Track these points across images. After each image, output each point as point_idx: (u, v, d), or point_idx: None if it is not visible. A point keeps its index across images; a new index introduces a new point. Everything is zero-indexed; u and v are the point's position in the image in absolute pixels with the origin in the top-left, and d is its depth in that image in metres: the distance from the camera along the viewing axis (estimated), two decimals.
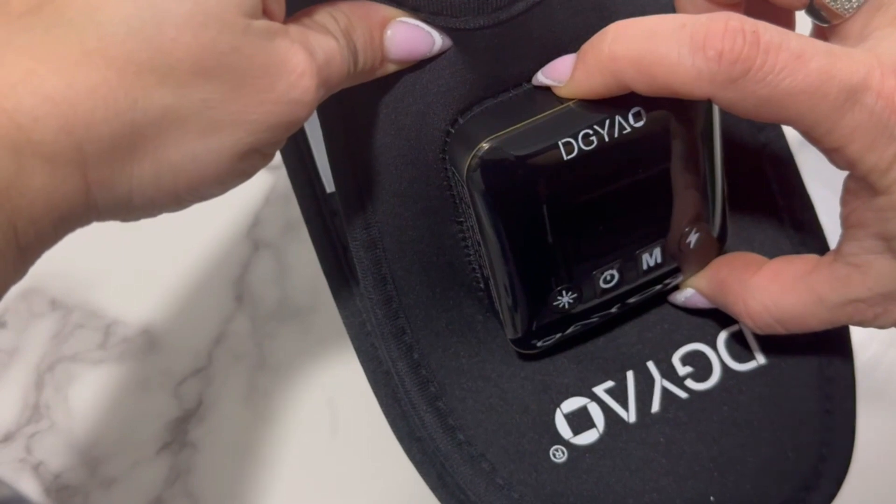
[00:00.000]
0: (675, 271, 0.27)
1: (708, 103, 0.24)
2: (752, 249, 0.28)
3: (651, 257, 0.26)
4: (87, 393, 0.36)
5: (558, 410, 0.27)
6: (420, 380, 0.27)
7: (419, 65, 0.24)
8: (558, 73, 0.24)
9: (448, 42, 0.24)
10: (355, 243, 0.26)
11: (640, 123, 0.23)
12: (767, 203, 0.29)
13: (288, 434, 0.35)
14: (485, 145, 0.23)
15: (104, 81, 0.18)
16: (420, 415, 0.27)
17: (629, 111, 0.23)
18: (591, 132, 0.23)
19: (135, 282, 0.38)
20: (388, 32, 0.23)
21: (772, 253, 0.28)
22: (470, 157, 0.24)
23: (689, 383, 0.28)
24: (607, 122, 0.23)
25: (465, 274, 0.27)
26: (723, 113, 0.25)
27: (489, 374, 0.27)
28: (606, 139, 0.23)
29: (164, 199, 0.20)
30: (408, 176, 0.26)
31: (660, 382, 0.27)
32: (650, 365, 0.28)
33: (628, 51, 0.21)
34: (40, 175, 0.17)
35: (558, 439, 0.27)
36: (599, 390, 0.28)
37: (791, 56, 0.20)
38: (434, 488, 0.28)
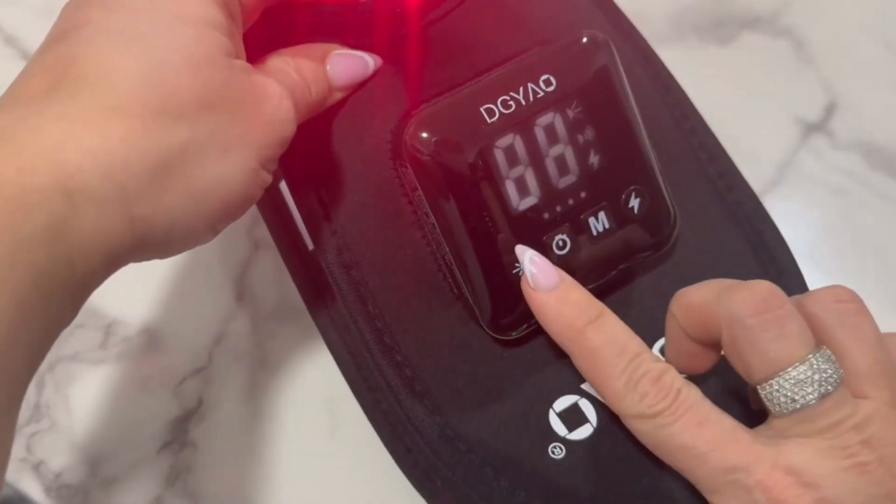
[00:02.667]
0: (630, 252, 0.29)
1: (618, 79, 0.28)
2: (687, 213, 0.30)
3: (598, 222, 0.28)
4: (88, 392, 0.36)
5: (551, 410, 0.28)
6: (416, 396, 0.28)
7: (360, 87, 0.28)
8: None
9: (380, 61, 0.28)
10: (330, 267, 0.28)
11: (552, 88, 0.27)
12: (699, 172, 0.31)
13: (288, 433, 0.35)
14: (413, 122, 0.26)
15: (131, 130, 0.21)
16: (420, 430, 0.28)
17: (539, 77, 0.27)
18: (508, 98, 0.26)
19: (135, 282, 0.38)
20: (328, 66, 0.27)
21: (707, 216, 0.30)
22: (404, 136, 0.26)
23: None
24: (521, 88, 0.26)
25: (437, 282, 0.28)
26: (641, 103, 0.28)
27: (482, 381, 0.28)
28: (523, 102, 0.26)
29: (200, 225, 0.23)
30: (367, 190, 0.28)
31: None
32: None
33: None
34: (91, 215, 0.20)
35: (555, 437, 0.28)
36: (587, 386, 0.28)
37: (692, 421, 0.24)
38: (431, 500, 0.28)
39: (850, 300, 0.24)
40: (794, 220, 0.38)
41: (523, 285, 0.27)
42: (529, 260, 0.27)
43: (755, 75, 0.41)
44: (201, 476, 0.35)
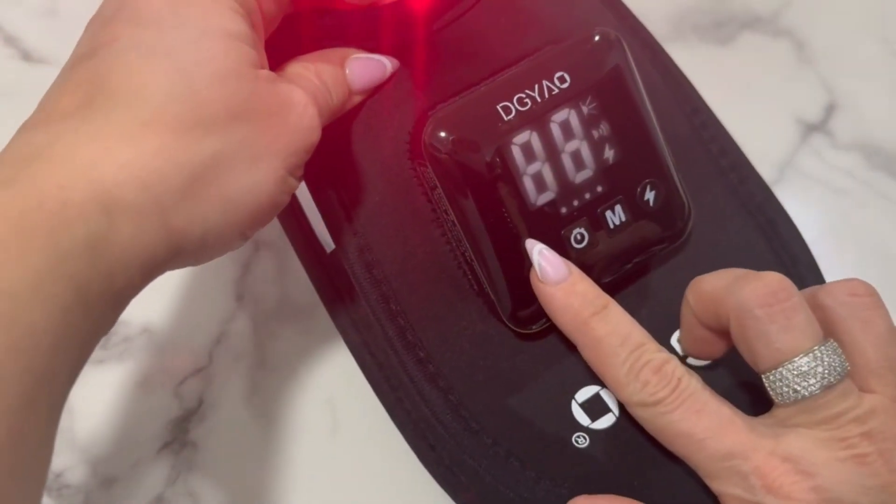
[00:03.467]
0: (647, 244, 0.29)
1: (630, 75, 0.28)
2: (701, 205, 0.31)
3: (615, 215, 0.28)
4: (88, 392, 0.36)
5: (573, 401, 0.29)
6: (440, 391, 0.28)
7: (376, 91, 0.28)
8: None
9: (397, 63, 0.28)
10: (352, 267, 0.29)
11: (566, 85, 0.27)
12: (711, 165, 0.32)
13: (288, 433, 0.35)
14: (431, 121, 0.27)
15: (164, 144, 0.21)
16: (445, 425, 0.28)
17: (554, 75, 0.27)
18: (524, 95, 0.27)
19: None
20: (347, 70, 0.27)
21: (720, 208, 0.31)
22: (423, 136, 0.27)
23: (691, 360, 0.29)
24: (536, 86, 0.27)
25: (457, 278, 0.29)
26: (653, 98, 0.29)
27: (505, 375, 0.29)
28: (539, 99, 0.27)
29: (232, 233, 0.24)
30: (387, 190, 0.28)
31: None
32: None
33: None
34: (129, 227, 0.20)
35: (578, 427, 0.28)
36: None
37: (691, 409, 0.24)
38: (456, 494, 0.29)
39: (864, 294, 0.24)
40: (794, 219, 0.38)
41: (532, 278, 0.27)
42: (539, 253, 0.27)
43: (755, 75, 0.41)
44: (201, 476, 0.35)
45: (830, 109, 0.40)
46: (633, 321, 0.26)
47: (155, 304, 0.37)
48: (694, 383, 0.25)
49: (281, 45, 0.27)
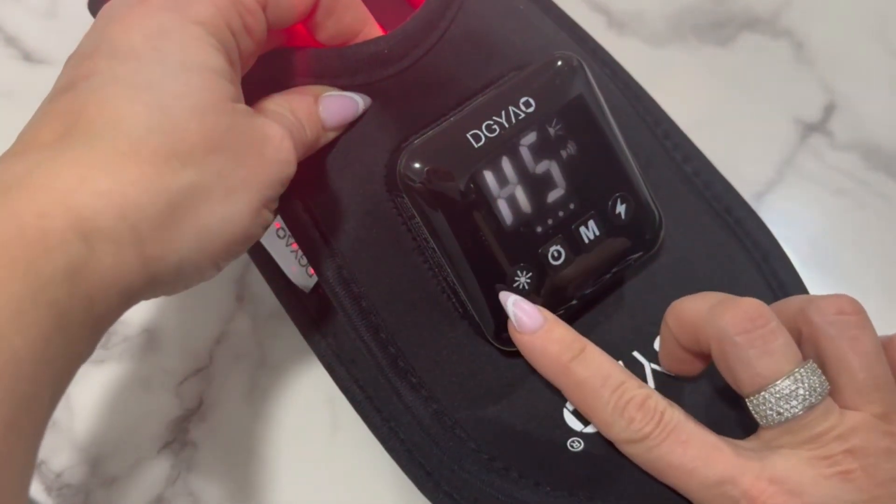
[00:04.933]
0: (622, 255, 0.30)
1: (592, 93, 0.29)
2: (671, 213, 0.32)
3: (589, 230, 0.29)
4: (89, 392, 0.36)
5: (565, 409, 0.29)
6: (435, 416, 0.29)
7: (351, 125, 0.29)
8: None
9: (368, 100, 0.29)
10: (340, 301, 0.29)
11: (532, 109, 0.28)
12: (677, 173, 0.33)
13: (288, 433, 0.35)
14: (405, 154, 0.28)
15: (142, 174, 0.22)
16: (440, 445, 0.29)
17: (519, 100, 0.28)
18: (492, 122, 0.28)
19: None
20: (321, 107, 0.28)
21: (690, 213, 0.32)
22: (398, 168, 0.27)
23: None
24: (503, 112, 0.28)
25: (442, 303, 0.30)
26: (616, 114, 0.30)
27: (496, 392, 0.29)
28: (506, 125, 0.28)
29: (206, 263, 0.24)
30: (368, 224, 0.29)
31: (649, 367, 0.30)
32: (636, 354, 0.30)
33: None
34: (107, 255, 0.21)
35: (572, 432, 0.29)
36: None
37: (677, 441, 0.25)
38: None
39: (852, 312, 0.25)
40: (793, 220, 0.38)
41: (510, 328, 0.28)
42: (513, 304, 0.28)
43: (754, 76, 0.41)
44: (202, 475, 0.35)
45: (829, 110, 0.40)
46: (611, 360, 0.27)
47: (155, 304, 0.37)
48: (677, 414, 0.26)
49: (256, 82, 0.27)
